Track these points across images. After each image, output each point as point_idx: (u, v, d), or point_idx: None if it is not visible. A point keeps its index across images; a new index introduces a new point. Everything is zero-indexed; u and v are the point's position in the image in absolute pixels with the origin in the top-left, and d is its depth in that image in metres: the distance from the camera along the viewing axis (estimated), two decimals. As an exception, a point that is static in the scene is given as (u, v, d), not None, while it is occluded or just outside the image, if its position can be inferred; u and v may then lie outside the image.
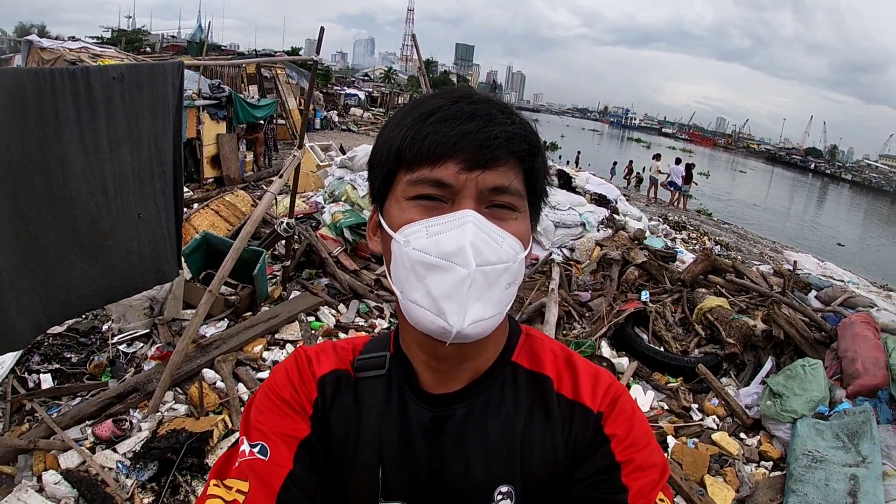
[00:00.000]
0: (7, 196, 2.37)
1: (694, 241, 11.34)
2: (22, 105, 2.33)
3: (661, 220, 12.35)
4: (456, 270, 0.65)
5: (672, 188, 17.37)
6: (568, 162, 23.27)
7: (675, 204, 17.24)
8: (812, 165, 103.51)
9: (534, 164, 0.73)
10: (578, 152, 28.56)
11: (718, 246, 11.43)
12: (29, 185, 2.44)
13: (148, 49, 28.66)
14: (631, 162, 23.87)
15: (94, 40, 26.99)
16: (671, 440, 3.87)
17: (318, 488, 0.76)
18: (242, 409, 1.22)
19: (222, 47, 33.16)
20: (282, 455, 0.73)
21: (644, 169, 21.11)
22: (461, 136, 0.67)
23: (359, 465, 0.77)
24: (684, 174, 17.04)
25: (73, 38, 19.62)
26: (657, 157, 18.95)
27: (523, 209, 0.73)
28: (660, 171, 17.94)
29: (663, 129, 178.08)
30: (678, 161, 18.17)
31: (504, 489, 0.76)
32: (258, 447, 0.73)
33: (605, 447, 0.75)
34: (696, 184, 18.06)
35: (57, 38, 15.58)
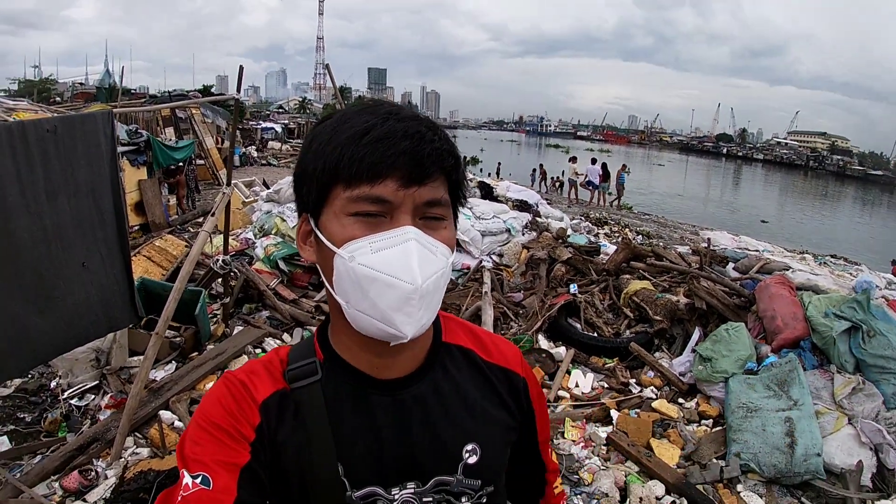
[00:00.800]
0: None
1: (616, 234, 11.97)
2: None
3: (582, 218, 12.97)
4: (402, 286, 0.71)
5: (591, 187, 18.30)
6: (489, 174, 23.92)
7: (596, 202, 18.15)
8: (724, 150, 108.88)
9: (457, 176, 0.80)
10: (499, 163, 29.39)
11: (640, 236, 12.12)
12: None
13: (58, 98, 27.33)
14: (541, 165, 24.85)
15: (2, 93, 25.55)
16: (614, 413, 4.17)
17: None
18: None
19: (133, 91, 32.07)
20: (225, 483, 0.74)
21: (563, 172, 22.06)
22: (398, 155, 0.72)
23: (317, 471, 0.80)
24: (601, 173, 18.05)
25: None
26: (573, 159, 20.00)
27: (449, 217, 0.80)
28: (577, 173, 18.89)
29: (578, 133, 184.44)
30: (594, 161, 19.14)
31: (469, 447, 0.87)
32: (200, 478, 0.73)
33: (530, 407, 0.98)
34: (616, 181, 19.06)
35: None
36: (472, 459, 0.87)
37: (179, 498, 0.73)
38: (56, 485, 3.17)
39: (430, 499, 0.85)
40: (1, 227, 2.57)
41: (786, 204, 31.18)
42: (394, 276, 0.71)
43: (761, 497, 3.43)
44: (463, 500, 0.87)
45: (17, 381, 4.27)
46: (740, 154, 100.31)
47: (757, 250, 6.96)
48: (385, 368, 0.84)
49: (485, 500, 0.89)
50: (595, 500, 3.28)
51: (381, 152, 0.72)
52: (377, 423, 0.83)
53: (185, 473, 0.74)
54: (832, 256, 10.24)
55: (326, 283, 0.79)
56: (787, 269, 5.88)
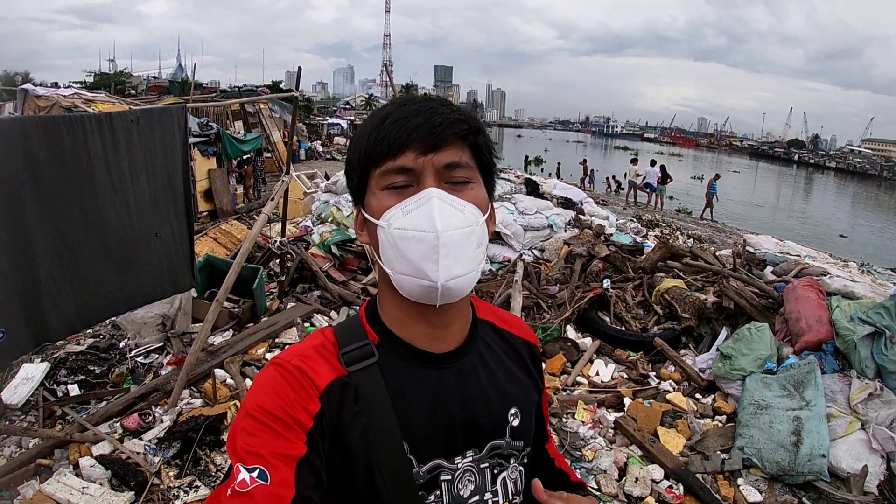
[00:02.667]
0: (49, 219, 2.98)
1: (667, 237, 11.89)
2: (59, 144, 2.95)
3: (633, 219, 12.93)
4: (426, 237, 0.78)
5: (648, 189, 18.08)
6: (549, 174, 23.95)
7: (654, 205, 17.91)
8: (796, 157, 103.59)
9: (476, 141, 0.85)
10: (559, 164, 29.31)
11: (691, 239, 11.98)
12: (67, 210, 3.06)
13: (132, 91, 29.06)
14: (585, 160, 24.71)
15: (79, 85, 27.48)
16: (627, 401, 4.38)
17: None
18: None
19: (204, 85, 33.73)
20: (283, 477, 0.73)
21: (625, 175, 21.84)
22: (413, 128, 0.80)
23: (385, 452, 0.82)
24: (660, 175, 17.80)
25: (55, 85, 20.23)
26: (634, 161, 19.72)
27: (476, 180, 0.86)
28: (637, 174, 18.66)
29: (645, 135, 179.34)
30: (653, 163, 18.87)
31: (513, 410, 0.95)
32: (257, 472, 0.72)
33: (540, 374, 1.07)
34: (707, 191, 18.36)
35: (41, 85, 16.24)
36: (516, 422, 0.94)
37: (229, 492, 0.72)
38: (117, 424, 3.70)
39: (486, 464, 0.92)
40: (90, 199, 3.16)
41: (858, 216, 29.49)
42: (420, 230, 0.78)
43: (761, 493, 3.49)
44: (511, 461, 0.95)
45: (90, 340, 4.93)
46: (812, 161, 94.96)
47: (799, 255, 6.90)
48: (438, 341, 0.89)
49: (526, 461, 0.98)
50: (593, 476, 3.51)
51: (398, 129, 0.80)
52: (438, 397, 0.87)
53: (241, 468, 0.73)
54: (893, 270, 9.83)
55: (378, 259, 0.85)
56: (825, 275, 5.85)
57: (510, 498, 0.95)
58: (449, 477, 0.88)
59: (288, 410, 0.78)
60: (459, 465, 0.89)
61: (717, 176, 19.28)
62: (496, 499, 0.93)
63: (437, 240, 0.77)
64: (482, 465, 0.91)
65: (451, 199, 0.81)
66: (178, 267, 3.85)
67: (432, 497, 0.87)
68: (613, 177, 23.75)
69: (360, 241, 0.95)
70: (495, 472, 0.93)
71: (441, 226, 0.77)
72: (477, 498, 0.91)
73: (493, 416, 0.92)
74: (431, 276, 0.78)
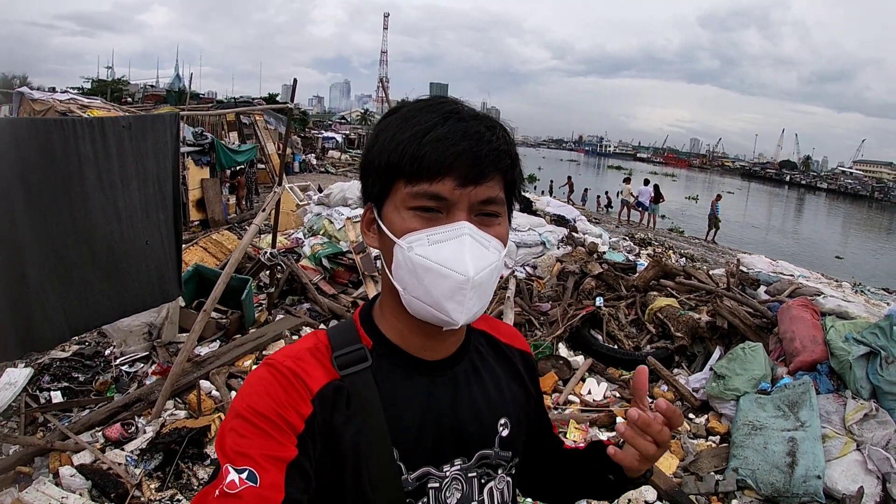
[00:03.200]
0: (38, 223, 2.92)
1: (660, 255, 11.92)
2: (49, 149, 2.90)
3: (625, 237, 12.97)
4: (455, 277, 0.75)
5: (640, 209, 18.17)
6: (542, 192, 24.02)
7: (646, 224, 17.98)
8: (787, 177, 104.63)
9: (514, 176, 0.84)
10: (551, 181, 29.43)
11: (684, 258, 12.01)
12: (56, 215, 3.01)
13: (129, 99, 29.10)
14: (569, 178, 24.93)
15: (76, 90, 27.49)
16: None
17: None
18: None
19: (201, 95, 33.84)
20: (273, 479, 0.72)
21: (617, 193, 21.93)
22: (456, 156, 0.75)
23: (374, 457, 0.81)
24: (653, 194, 17.90)
25: (52, 90, 20.16)
26: (627, 180, 19.84)
27: (503, 213, 0.84)
28: (631, 194, 18.75)
29: (638, 154, 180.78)
30: (646, 182, 18.96)
31: (502, 421, 0.94)
32: (246, 473, 0.71)
33: (536, 383, 1.07)
34: (711, 211, 17.73)
35: (39, 89, 16.22)
36: (505, 433, 0.94)
37: (218, 493, 0.70)
38: (99, 434, 3.62)
39: (475, 473, 0.91)
40: (80, 204, 3.10)
41: (850, 236, 29.79)
42: (448, 268, 0.75)
43: None
44: (499, 471, 0.94)
45: (76, 347, 4.83)
46: (804, 182, 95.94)
47: (792, 275, 6.90)
48: (433, 351, 0.89)
49: (513, 472, 0.97)
50: (585, 500, 3.43)
51: (440, 152, 0.75)
52: (429, 404, 0.87)
53: (230, 468, 0.71)
54: (886, 290, 9.86)
55: (386, 269, 0.83)
56: (819, 295, 5.85)
57: None
58: (437, 485, 0.87)
59: (279, 412, 0.76)
60: (447, 473, 0.88)
61: (719, 196, 18.59)
62: None
63: (466, 283, 0.75)
64: (470, 475, 0.90)
65: (480, 235, 0.78)
66: (166, 275, 3.79)
67: None
68: (606, 193, 23.85)
69: (366, 241, 0.90)
70: (482, 481, 0.92)
71: (473, 269, 0.75)
72: None
73: (482, 424, 0.91)
74: (453, 315, 0.77)
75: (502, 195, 0.82)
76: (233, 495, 0.69)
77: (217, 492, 0.70)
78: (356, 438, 0.80)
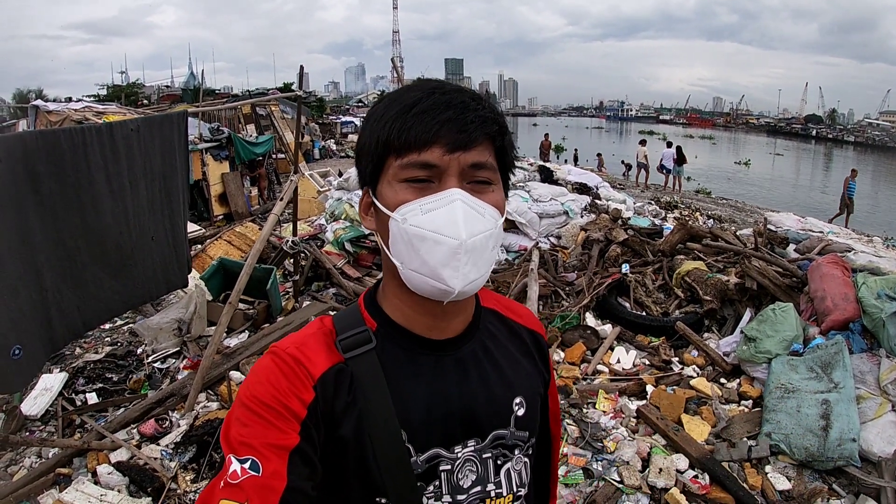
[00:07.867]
0: (51, 230, 3.01)
1: (686, 218, 11.67)
2: (60, 157, 2.96)
3: (651, 201, 12.73)
4: (448, 242, 0.75)
5: (664, 171, 17.78)
6: (566, 161, 23.65)
7: (672, 187, 17.62)
8: (814, 132, 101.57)
9: (503, 143, 0.83)
10: (576, 150, 28.96)
11: (711, 220, 11.75)
12: (69, 220, 3.10)
13: (145, 101, 29.48)
14: (599, 154, 24.40)
15: (92, 98, 27.91)
16: (650, 388, 4.28)
17: (316, 497, 0.77)
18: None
19: (216, 91, 34.08)
20: (275, 468, 0.71)
21: (636, 156, 21.48)
22: (442, 123, 0.76)
23: (382, 441, 0.80)
24: (675, 156, 17.48)
25: (69, 99, 20.47)
26: (643, 142, 19.34)
27: (497, 181, 0.83)
28: (646, 157, 18.32)
29: (661, 117, 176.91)
30: (669, 144, 18.49)
31: (517, 400, 0.92)
32: (248, 462, 0.71)
33: (547, 365, 1.05)
34: (845, 190, 15.09)
35: (55, 101, 16.46)
36: (521, 412, 0.92)
37: (222, 484, 0.70)
38: (135, 431, 3.72)
39: (489, 454, 0.89)
40: (91, 207, 3.19)
41: (879, 189, 28.79)
42: (441, 234, 0.75)
43: (789, 480, 3.37)
44: (516, 452, 0.92)
45: (108, 348, 4.97)
46: (830, 136, 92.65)
47: (821, 232, 6.71)
48: (438, 330, 0.87)
49: (531, 452, 0.96)
50: (615, 468, 3.42)
51: (426, 122, 0.77)
52: (437, 384, 0.86)
53: (233, 458, 0.72)
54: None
55: (384, 248, 0.83)
56: (850, 251, 5.67)
57: (514, 490, 0.92)
58: (448, 467, 0.86)
59: (281, 399, 0.76)
60: (460, 455, 0.87)
61: (854, 172, 15.08)
62: (499, 490, 0.90)
63: (459, 247, 0.75)
64: (485, 455, 0.89)
65: (473, 201, 0.78)
66: (170, 266, 3.95)
67: (431, 487, 0.85)
68: (623, 161, 23.36)
69: (365, 225, 0.90)
70: (499, 462, 0.90)
71: (465, 233, 0.75)
72: (479, 489, 0.89)
73: (496, 404, 0.90)
74: (449, 282, 0.76)
75: (493, 161, 0.82)
76: (235, 485, 0.69)
77: (222, 483, 0.70)
78: (362, 422, 0.80)
